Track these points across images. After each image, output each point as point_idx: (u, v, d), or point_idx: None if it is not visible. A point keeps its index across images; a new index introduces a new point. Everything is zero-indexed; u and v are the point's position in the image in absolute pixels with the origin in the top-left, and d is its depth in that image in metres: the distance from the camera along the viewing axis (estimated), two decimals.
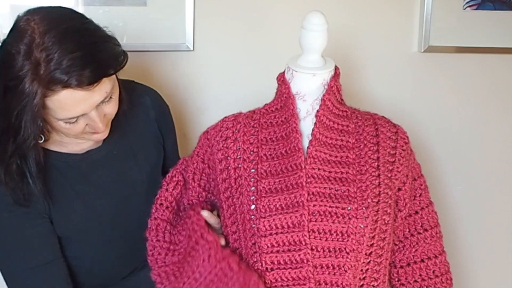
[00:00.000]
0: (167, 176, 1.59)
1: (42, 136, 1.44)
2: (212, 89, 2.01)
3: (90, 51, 1.33)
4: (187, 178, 1.55)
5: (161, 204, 1.55)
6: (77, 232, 1.53)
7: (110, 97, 1.41)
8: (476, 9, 2.04)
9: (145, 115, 1.63)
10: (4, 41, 1.35)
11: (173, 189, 1.56)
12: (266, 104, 1.52)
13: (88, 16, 1.42)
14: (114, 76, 1.41)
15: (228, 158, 1.47)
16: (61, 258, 1.54)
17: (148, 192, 1.60)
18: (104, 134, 1.48)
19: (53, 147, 1.52)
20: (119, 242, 1.58)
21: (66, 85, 1.30)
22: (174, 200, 1.56)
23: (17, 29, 1.33)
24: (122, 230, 1.58)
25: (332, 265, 1.41)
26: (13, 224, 1.48)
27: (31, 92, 1.29)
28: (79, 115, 1.37)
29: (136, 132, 1.59)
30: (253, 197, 1.42)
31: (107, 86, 1.38)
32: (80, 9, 1.88)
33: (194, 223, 1.47)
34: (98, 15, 1.88)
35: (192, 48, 1.98)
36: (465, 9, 2.04)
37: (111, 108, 1.44)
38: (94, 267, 1.57)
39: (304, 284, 1.40)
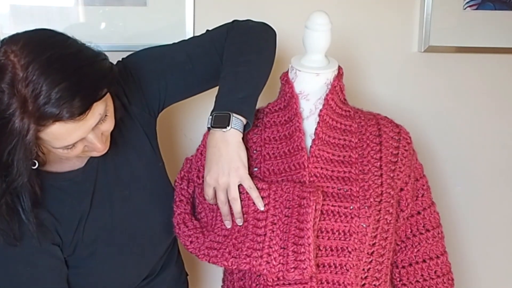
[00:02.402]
0: (176, 177, 1.57)
1: (36, 162, 1.38)
2: (212, 89, 2.00)
3: (77, 79, 1.25)
4: (191, 177, 1.55)
5: (181, 200, 1.54)
6: (87, 246, 1.50)
7: (106, 115, 1.36)
8: (476, 9, 2.04)
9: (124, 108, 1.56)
10: None
11: (187, 187, 1.55)
12: (269, 103, 1.52)
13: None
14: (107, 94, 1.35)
15: None
16: None
17: (148, 188, 1.58)
18: (105, 147, 1.42)
19: (55, 167, 1.47)
20: (130, 248, 1.56)
21: (57, 119, 1.24)
22: (190, 197, 1.55)
23: (1, 61, 1.25)
24: (129, 235, 1.55)
25: (334, 264, 1.41)
26: (26, 259, 1.44)
27: (23, 130, 1.23)
28: (75, 142, 1.32)
29: (119, 129, 1.54)
30: None
31: (100, 109, 1.32)
32: (80, 9, 1.87)
33: None
34: (98, 15, 1.89)
35: None
36: (465, 9, 2.04)
37: (108, 125, 1.38)
38: (109, 280, 1.55)
39: (306, 283, 1.40)
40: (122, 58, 1.58)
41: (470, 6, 2.04)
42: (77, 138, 1.31)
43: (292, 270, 1.37)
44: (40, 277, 1.45)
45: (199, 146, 1.56)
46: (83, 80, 1.26)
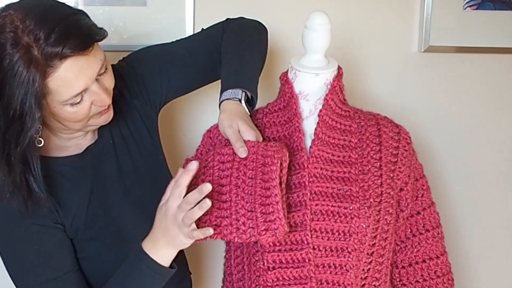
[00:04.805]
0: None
1: (41, 139, 1.43)
2: (212, 89, 2.00)
3: (72, 22, 1.34)
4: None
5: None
6: (88, 231, 1.53)
7: (106, 68, 1.41)
8: (476, 9, 2.04)
9: (124, 100, 1.61)
10: None
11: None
12: (269, 104, 1.52)
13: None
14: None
15: None
16: (77, 266, 1.53)
17: (149, 180, 1.59)
18: (110, 114, 1.47)
19: (53, 153, 1.51)
20: (133, 236, 1.58)
21: (63, 56, 1.30)
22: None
23: None
24: (131, 223, 1.58)
25: (334, 264, 1.41)
26: (32, 238, 1.47)
27: (31, 78, 1.29)
28: (82, 90, 1.36)
29: (122, 120, 1.58)
30: None
31: (100, 54, 1.38)
32: (80, 8, 1.88)
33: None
34: (98, 15, 1.89)
35: None
36: (465, 9, 2.04)
37: (109, 80, 1.44)
38: (112, 265, 1.57)
39: (306, 283, 1.40)
40: (123, 57, 1.62)
41: (470, 6, 2.04)
42: (84, 83, 1.35)
43: (264, 232, 1.31)
44: (47, 254, 1.48)
45: (199, 146, 1.56)
46: (78, 23, 1.34)
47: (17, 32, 1.30)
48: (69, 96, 1.36)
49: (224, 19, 1.71)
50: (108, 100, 1.42)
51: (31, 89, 1.30)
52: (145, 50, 1.67)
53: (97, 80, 1.39)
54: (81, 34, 1.33)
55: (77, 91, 1.36)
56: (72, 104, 1.38)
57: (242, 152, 1.38)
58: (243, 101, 1.47)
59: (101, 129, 1.54)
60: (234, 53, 1.58)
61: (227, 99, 1.47)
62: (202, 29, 1.72)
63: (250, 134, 1.40)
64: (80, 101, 1.38)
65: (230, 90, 1.48)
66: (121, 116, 1.54)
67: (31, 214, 1.44)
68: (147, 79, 1.63)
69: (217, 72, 1.61)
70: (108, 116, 1.47)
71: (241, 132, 1.40)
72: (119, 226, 1.56)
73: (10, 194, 1.40)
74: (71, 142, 1.53)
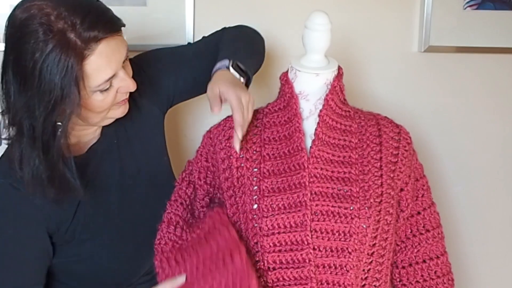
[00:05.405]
0: (178, 178, 1.59)
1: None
2: None
3: (100, 7, 1.41)
4: (193, 179, 1.56)
5: (175, 200, 1.55)
6: (86, 231, 1.53)
7: (127, 58, 1.46)
8: (476, 9, 2.05)
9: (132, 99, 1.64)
10: (14, 32, 1.36)
11: (186, 188, 1.56)
12: (269, 104, 1.52)
13: None
14: None
15: (231, 157, 1.47)
16: (44, 283, 1.54)
17: (151, 181, 1.60)
18: (126, 106, 1.51)
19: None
20: (131, 237, 1.58)
21: (98, 39, 1.35)
22: (188, 199, 1.56)
23: (25, 15, 1.34)
24: (130, 223, 1.58)
25: (334, 264, 1.40)
26: (18, 240, 1.48)
27: (69, 62, 1.33)
28: (112, 75, 1.40)
29: (129, 119, 1.59)
30: (256, 196, 1.42)
31: (124, 41, 1.44)
32: None
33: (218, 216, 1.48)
34: None
35: None
36: (465, 9, 2.05)
37: (130, 68, 1.49)
38: (111, 267, 1.57)
39: (306, 284, 1.40)
40: (130, 59, 1.63)
41: (470, 6, 2.05)
42: (114, 67, 1.40)
43: None
44: (24, 261, 1.49)
45: (199, 147, 1.56)
46: (105, 10, 1.42)
47: (50, 18, 1.33)
48: (101, 81, 1.39)
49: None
50: (133, 86, 1.47)
51: (69, 73, 1.33)
52: (152, 52, 1.71)
53: (122, 66, 1.44)
54: (111, 17, 1.41)
55: (109, 75, 1.40)
56: (101, 91, 1.41)
57: (215, 111, 1.43)
58: (231, 68, 1.51)
59: (106, 128, 1.55)
60: (228, 43, 1.64)
61: (216, 70, 1.52)
62: (203, 37, 1.76)
63: (229, 94, 1.41)
64: (108, 88, 1.42)
65: (219, 63, 1.53)
66: (128, 115, 1.56)
67: (26, 217, 1.45)
68: (156, 79, 1.66)
69: None
70: (125, 108, 1.51)
71: (220, 93, 1.43)
72: (117, 227, 1.57)
73: (46, 181, 1.42)
74: (77, 140, 1.54)
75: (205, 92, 1.66)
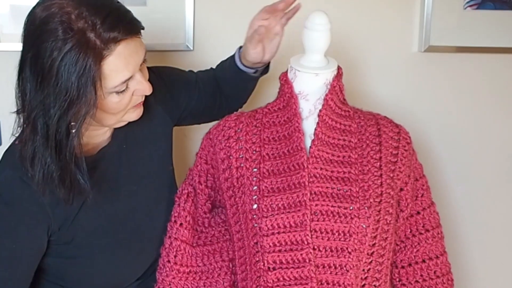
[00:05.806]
0: (178, 191, 1.59)
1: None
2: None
3: (121, 9, 1.40)
4: (193, 183, 1.56)
5: (175, 221, 1.55)
6: (86, 234, 1.52)
7: (144, 61, 1.46)
8: (476, 8, 2.04)
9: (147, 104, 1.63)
10: (34, 30, 1.36)
11: (184, 203, 1.56)
12: (268, 104, 1.52)
13: None
14: None
15: (231, 157, 1.47)
16: (29, 282, 1.53)
17: (154, 188, 1.59)
18: (141, 109, 1.51)
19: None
20: (130, 244, 1.58)
21: (117, 40, 1.34)
22: (188, 215, 1.55)
23: (45, 13, 1.34)
24: (130, 229, 1.57)
25: (334, 264, 1.41)
26: (13, 238, 1.47)
27: (88, 61, 1.32)
28: (129, 77, 1.40)
29: (141, 124, 1.59)
30: (255, 196, 1.43)
31: (143, 43, 1.44)
32: None
33: None
34: None
35: (192, 48, 1.98)
36: (465, 8, 2.04)
37: (146, 72, 1.49)
38: (106, 273, 1.57)
39: (306, 284, 1.40)
40: (147, 67, 1.66)
41: (470, 5, 2.04)
42: (132, 69, 1.39)
43: None
44: (16, 255, 1.48)
45: (198, 151, 1.58)
46: (126, 11, 1.41)
47: (70, 17, 1.32)
48: (118, 82, 1.38)
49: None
50: (149, 90, 1.46)
51: (87, 73, 1.32)
52: (168, 68, 1.75)
53: (139, 70, 1.44)
54: (132, 19, 1.40)
55: (126, 77, 1.39)
56: (118, 92, 1.41)
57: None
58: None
59: (116, 131, 1.55)
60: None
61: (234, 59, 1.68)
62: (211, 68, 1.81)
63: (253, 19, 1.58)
64: (125, 90, 1.41)
65: (229, 59, 1.68)
66: (140, 120, 1.55)
67: (29, 214, 1.44)
68: (173, 90, 1.68)
69: (221, 106, 1.76)
70: (140, 111, 1.51)
71: (253, 24, 1.61)
72: (117, 232, 1.56)
73: (57, 181, 1.41)
74: (87, 141, 1.52)
75: (205, 122, 1.78)
